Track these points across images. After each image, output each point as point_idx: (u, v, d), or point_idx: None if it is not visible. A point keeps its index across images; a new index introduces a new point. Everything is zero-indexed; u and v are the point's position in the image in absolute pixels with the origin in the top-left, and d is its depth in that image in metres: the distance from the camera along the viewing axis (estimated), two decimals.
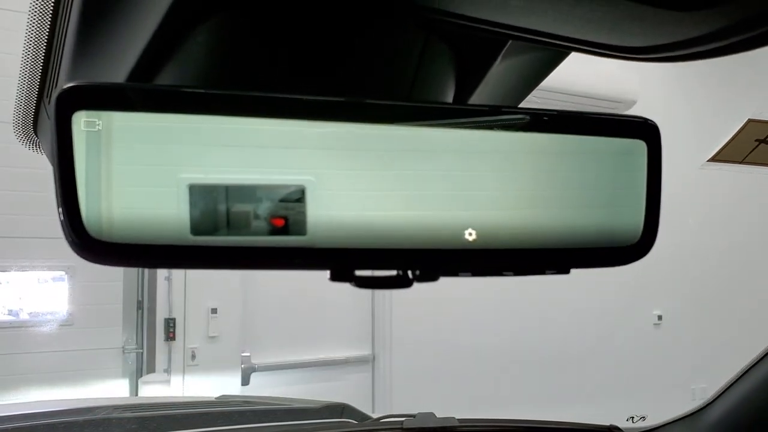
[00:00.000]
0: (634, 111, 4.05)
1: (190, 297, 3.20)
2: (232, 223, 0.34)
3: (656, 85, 4.19)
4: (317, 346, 3.55)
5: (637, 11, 0.34)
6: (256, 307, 3.36)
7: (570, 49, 0.42)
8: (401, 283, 0.38)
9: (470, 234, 0.38)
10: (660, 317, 4.39)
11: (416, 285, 0.38)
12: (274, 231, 0.35)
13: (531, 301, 3.87)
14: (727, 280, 4.43)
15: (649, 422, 1.37)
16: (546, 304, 3.91)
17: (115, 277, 3.15)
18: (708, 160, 1.04)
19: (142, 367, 3.21)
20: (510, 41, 0.46)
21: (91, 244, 0.32)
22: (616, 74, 3.87)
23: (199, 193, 0.34)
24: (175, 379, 3.16)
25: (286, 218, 0.35)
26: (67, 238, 0.32)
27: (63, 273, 3.10)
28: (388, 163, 0.37)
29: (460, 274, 0.38)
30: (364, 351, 3.71)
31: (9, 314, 3.13)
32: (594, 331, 4.13)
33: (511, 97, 0.56)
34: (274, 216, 0.35)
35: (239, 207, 0.34)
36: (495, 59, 0.48)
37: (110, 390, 3.10)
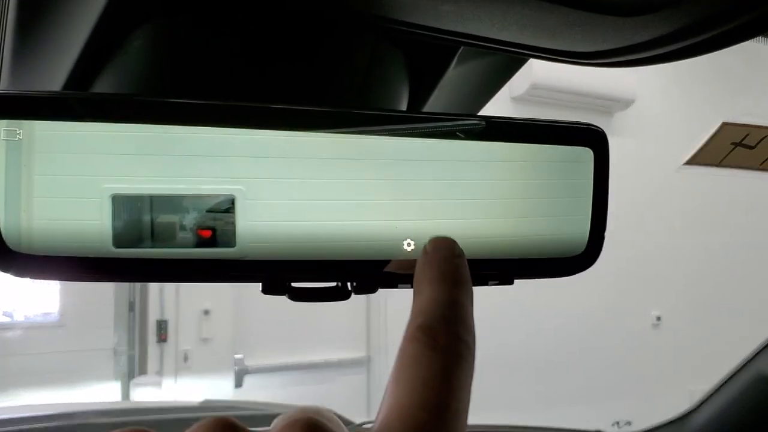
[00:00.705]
0: (632, 110, 4.07)
1: (182, 298, 3.19)
2: (156, 235, 0.33)
3: (655, 83, 4.19)
4: (311, 348, 3.54)
5: (573, 17, 0.33)
6: (249, 309, 3.35)
7: (519, 54, 0.41)
8: (339, 295, 0.37)
9: (409, 245, 0.37)
10: (659, 318, 4.38)
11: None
12: (201, 243, 0.34)
13: (526, 303, 3.86)
14: (728, 279, 4.41)
15: (638, 426, 1.36)
16: (542, 306, 3.89)
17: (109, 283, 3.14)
18: (684, 164, 1.02)
19: (134, 369, 3.20)
20: (462, 47, 0.45)
21: (8, 257, 0.32)
22: (615, 73, 3.87)
23: (122, 203, 0.33)
24: (168, 382, 3.15)
25: (213, 229, 0.34)
26: None
27: None
28: (324, 172, 0.36)
29: (399, 285, 0.38)
30: (359, 353, 3.71)
31: (4, 315, 3.14)
32: (590, 332, 4.12)
33: (469, 103, 0.56)
34: (200, 227, 0.34)
35: (164, 218, 0.33)
36: (448, 65, 0.47)
37: (101, 392, 3.09)
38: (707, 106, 4.00)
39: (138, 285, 3.21)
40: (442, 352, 0.27)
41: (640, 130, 4.07)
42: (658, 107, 4.25)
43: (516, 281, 0.40)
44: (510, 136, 0.39)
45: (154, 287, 3.17)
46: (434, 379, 0.26)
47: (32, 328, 3.11)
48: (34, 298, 3.11)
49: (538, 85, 3.59)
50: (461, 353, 0.27)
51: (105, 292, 3.19)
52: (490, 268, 0.38)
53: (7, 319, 3.14)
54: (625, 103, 4.02)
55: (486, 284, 0.39)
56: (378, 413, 0.26)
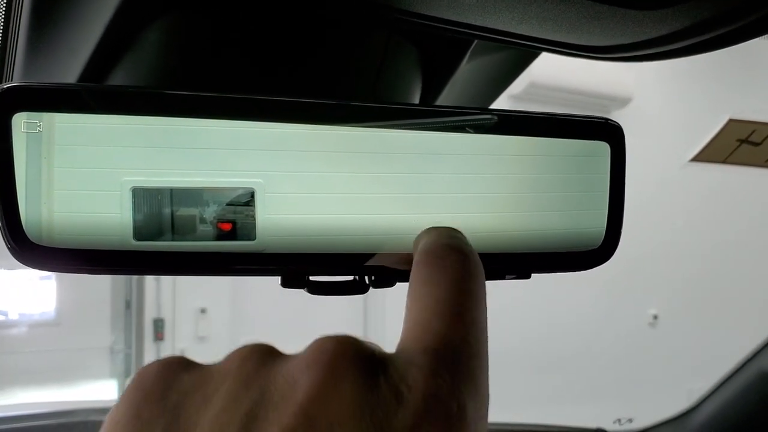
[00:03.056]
0: (629, 108, 4.07)
1: (179, 297, 3.18)
2: (176, 228, 0.33)
3: (653, 82, 4.19)
4: None
5: (594, 11, 0.33)
6: (246, 307, 3.34)
7: (534, 48, 0.41)
8: (357, 288, 0.37)
9: None
10: (655, 317, 4.39)
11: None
12: (221, 236, 0.34)
13: (520, 302, 3.86)
14: (725, 277, 4.41)
15: (639, 424, 1.37)
16: (536, 304, 3.90)
17: (103, 276, 3.13)
18: (690, 160, 1.02)
19: (131, 367, 3.19)
20: (476, 41, 0.45)
21: (30, 249, 0.31)
22: (613, 72, 3.88)
23: (142, 196, 0.33)
24: None
25: (233, 222, 0.34)
26: (6, 244, 0.32)
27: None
28: (341, 165, 0.36)
29: None
30: None
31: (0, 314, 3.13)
32: (585, 331, 4.12)
33: (480, 98, 0.56)
34: (220, 220, 0.34)
35: (184, 211, 0.33)
36: (462, 59, 0.47)
37: (98, 391, 3.08)
38: (705, 104, 4.01)
39: (134, 283, 3.20)
40: (451, 269, 0.27)
41: (637, 128, 4.07)
42: (655, 105, 4.26)
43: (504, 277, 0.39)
44: (525, 131, 0.38)
45: (150, 285, 3.16)
46: (446, 292, 0.26)
47: (28, 326, 3.10)
48: (30, 296, 3.10)
49: (536, 84, 3.59)
50: (470, 270, 0.27)
51: (101, 290, 3.18)
52: (506, 263, 0.38)
53: (2, 318, 3.13)
54: (623, 102, 4.02)
55: (503, 278, 0.39)
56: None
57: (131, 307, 3.23)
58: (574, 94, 3.74)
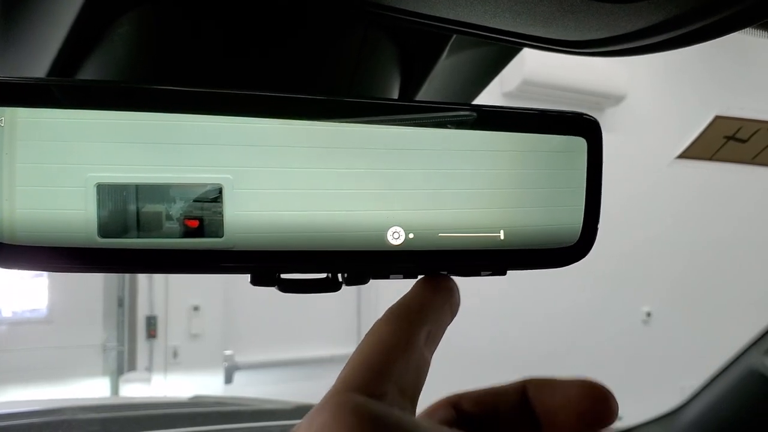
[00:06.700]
0: (623, 106, 4.07)
1: (172, 294, 3.17)
2: (142, 225, 0.32)
3: (646, 79, 4.19)
4: (302, 344, 3.53)
5: (568, 4, 0.33)
6: (240, 305, 3.34)
7: (511, 43, 0.41)
8: (329, 286, 0.37)
9: (401, 235, 0.36)
10: (649, 314, 4.39)
11: (404, 281, 0.37)
12: (188, 233, 0.33)
13: (513, 300, 3.86)
14: (718, 275, 4.42)
15: (631, 422, 1.36)
16: (529, 302, 3.90)
17: (95, 273, 3.12)
18: (676, 157, 1.02)
19: (123, 365, 3.18)
20: (454, 35, 0.45)
21: None
22: (606, 69, 3.87)
23: (107, 192, 0.32)
24: (157, 378, 3.14)
25: (201, 219, 0.33)
26: None
27: None
28: (314, 161, 0.35)
29: (391, 276, 0.37)
30: (350, 348, 3.68)
31: None
32: (579, 328, 4.13)
33: (461, 94, 0.55)
34: (187, 217, 0.33)
35: (150, 207, 0.32)
36: (441, 54, 0.46)
37: (90, 389, 3.07)
38: (698, 102, 4.01)
39: (127, 280, 3.19)
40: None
41: (631, 126, 4.08)
42: (649, 103, 4.26)
43: (505, 274, 0.39)
44: (502, 126, 0.38)
45: (143, 282, 3.15)
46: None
47: (20, 323, 3.09)
48: (21, 294, 3.08)
49: (529, 81, 3.59)
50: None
51: (93, 287, 3.17)
52: (482, 259, 0.38)
53: None
54: (616, 99, 4.03)
55: (479, 275, 0.38)
56: None
57: (124, 305, 3.21)
58: (568, 91, 3.74)
